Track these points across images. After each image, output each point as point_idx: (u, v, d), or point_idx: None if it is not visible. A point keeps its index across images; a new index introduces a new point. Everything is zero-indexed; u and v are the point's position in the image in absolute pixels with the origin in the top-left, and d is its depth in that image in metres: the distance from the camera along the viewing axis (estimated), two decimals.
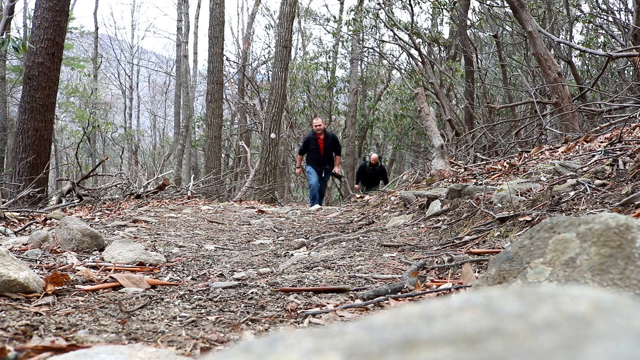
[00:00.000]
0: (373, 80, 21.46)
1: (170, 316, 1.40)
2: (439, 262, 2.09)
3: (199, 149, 21.28)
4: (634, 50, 6.99)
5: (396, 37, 14.60)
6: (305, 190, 19.86)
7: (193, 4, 28.23)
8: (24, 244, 2.61)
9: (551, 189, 2.89)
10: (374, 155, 13.11)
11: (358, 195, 8.29)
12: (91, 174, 7.86)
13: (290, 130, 18.82)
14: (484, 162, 6.63)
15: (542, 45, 7.11)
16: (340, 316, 1.40)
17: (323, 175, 9.33)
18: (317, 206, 7.54)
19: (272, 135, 11.01)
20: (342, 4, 21.51)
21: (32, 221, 3.81)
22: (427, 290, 1.63)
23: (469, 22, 14.64)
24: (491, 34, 13.30)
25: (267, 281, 1.87)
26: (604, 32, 11.52)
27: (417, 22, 17.35)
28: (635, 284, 1.01)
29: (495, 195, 3.08)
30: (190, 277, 2.04)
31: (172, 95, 25.12)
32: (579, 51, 11.56)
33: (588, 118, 8.09)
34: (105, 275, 1.93)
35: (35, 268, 2.03)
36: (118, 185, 7.69)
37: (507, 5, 8.35)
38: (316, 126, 9.24)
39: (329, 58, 21.34)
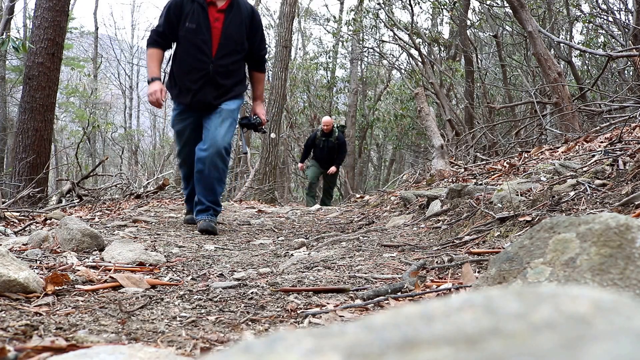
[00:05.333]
0: (373, 80, 21.45)
1: (170, 316, 1.40)
2: (439, 262, 2.09)
3: None
4: (634, 50, 6.98)
5: (396, 37, 14.60)
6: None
7: None
8: (23, 244, 2.60)
9: (551, 189, 2.88)
10: (327, 119, 9.37)
11: (358, 195, 8.22)
12: (91, 174, 7.86)
13: (290, 130, 18.81)
14: (484, 162, 6.62)
15: (542, 45, 7.10)
16: (340, 316, 1.40)
17: (219, 118, 3.86)
18: (208, 229, 3.48)
19: (272, 135, 11.00)
20: (342, 4, 21.51)
21: (32, 221, 3.80)
22: (427, 290, 1.63)
23: (469, 22, 14.64)
24: (491, 34, 13.30)
25: (267, 281, 1.87)
26: (604, 32, 11.52)
27: (417, 22, 17.37)
28: (635, 284, 1.00)
29: (495, 195, 3.08)
30: (190, 277, 2.04)
31: None
32: (579, 51, 11.56)
33: (588, 118, 8.08)
34: (105, 275, 1.93)
35: (35, 268, 2.03)
36: (118, 185, 7.68)
37: (507, 5, 8.35)
38: None
39: (329, 58, 21.34)
